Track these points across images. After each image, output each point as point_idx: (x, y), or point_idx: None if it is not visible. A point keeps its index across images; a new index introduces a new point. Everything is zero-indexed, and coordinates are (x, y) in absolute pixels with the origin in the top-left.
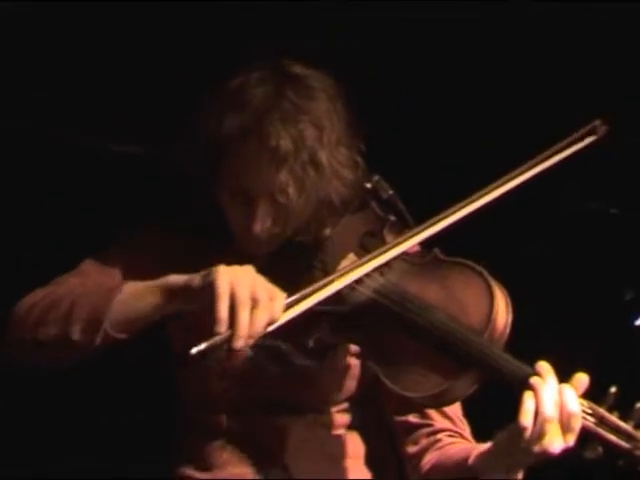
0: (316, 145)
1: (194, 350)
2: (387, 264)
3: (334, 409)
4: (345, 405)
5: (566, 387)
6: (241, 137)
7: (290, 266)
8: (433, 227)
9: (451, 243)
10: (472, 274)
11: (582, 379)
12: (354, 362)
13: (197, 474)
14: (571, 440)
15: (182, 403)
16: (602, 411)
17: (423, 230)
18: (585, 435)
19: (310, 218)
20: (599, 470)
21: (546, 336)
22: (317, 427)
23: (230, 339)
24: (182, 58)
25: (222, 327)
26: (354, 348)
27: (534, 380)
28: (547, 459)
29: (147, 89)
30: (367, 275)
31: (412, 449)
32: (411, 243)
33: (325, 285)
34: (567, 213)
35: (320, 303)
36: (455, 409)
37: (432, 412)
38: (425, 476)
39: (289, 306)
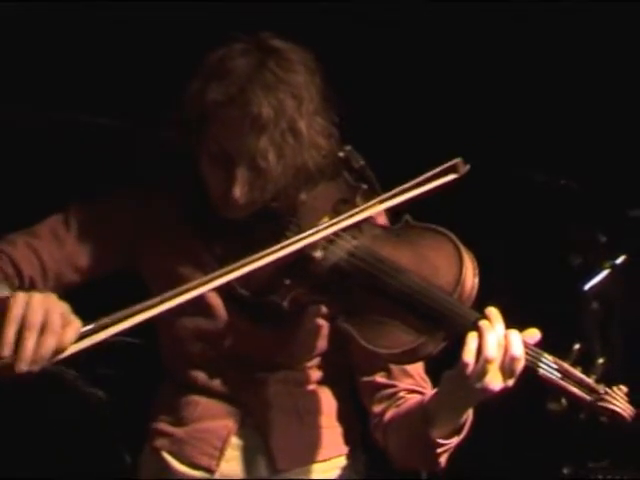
0: (295, 114)
1: None
2: (359, 229)
3: (305, 366)
4: (316, 361)
5: (513, 332)
6: (225, 104)
7: (265, 230)
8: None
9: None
10: (442, 239)
11: (534, 333)
12: (323, 322)
13: (170, 428)
14: (511, 382)
15: (162, 359)
16: (567, 366)
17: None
18: (550, 388)
19: (287, 184)
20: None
21: (499, 300)
22: (289, 383)
23: (13, 363)
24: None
25: (6, 351)
26: (323, 309)
27: (482, 323)
28: (488, 397)
29: (129, 60)
30: (341, 238)
31: (377, 408)
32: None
33: (131, 315)
34: (522, 184)
35: (290, 264)
36: (418, 368)
37: (397, 372)
38: (385, 429)
39: (84, 335)
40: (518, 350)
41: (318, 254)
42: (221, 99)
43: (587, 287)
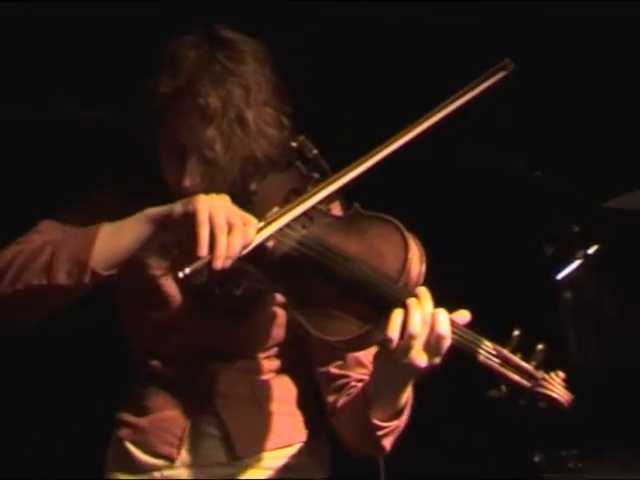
0: (243, 105)
1: (180, 274)
2: (310, 218)
3: (263, 355)
4: (274, 351)
5: (440, 311)
6: (175, 96)
7: None
8: (348, 175)
9: (389, 199)
10: (390, 227)
11: (464, 314)
12: (280, 311)
13: (133, 418)
14: (437, 360)
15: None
16: (506, 352)
17: (340, 177)
18: (490, 375)
19: (237, 174)
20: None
21: (475, 289)
22: (247, 372)
23: (210, 262)
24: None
25: (204, 251)
26: (279, 298)
27: (409, 300)
28: (417, 374)
29: (97, 51)
30: (290, 228)
31: (331, 398)
32: (333, 188)
33: (291, 208)
34: (494, 173)
35: (246, 255)
36: (370, 357)
37: (350, 362)
38: (337, 417)
39: (260, 229)
40: (444, 328)
41: (270, 243)
42: (171, 91)
43: (560, 276)
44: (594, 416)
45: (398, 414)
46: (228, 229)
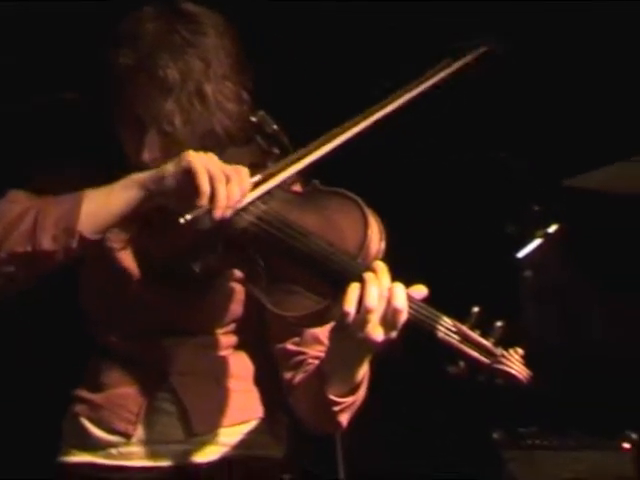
0: (202, 78)
1: (182, 220)
2: (270, 194)
3: (220, 331)
4: (232, 327)
5: (397, 285)
6: (134, 69)
7: None
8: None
9: (350, 176)
10: (349, 203)
11: (420, 288)
12: (239, 287)
13: (89, 394)
14: (394, 334)
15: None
16: (465, 329)
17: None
18: (449, 351)
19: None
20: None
21: (436, 267)
22: (204, 348)
23: (210, 211)
24: None
25: (204, 200)
26: (238, 274)
27: (366, 274)
28: (373, 348)
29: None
30: (250, 204)
31: (287, 375)
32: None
33: (287, 165)
34: (458, 156)
35: (202, 229)
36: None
37: (307, 339)
38: (295, 392)
39: (255, 184)
40: (400, 302)
41: (229, 219)
42: (130, 64)
43: (520, 255)
44: (553, 394)
45: (354, 390)
46: (226, 180)
